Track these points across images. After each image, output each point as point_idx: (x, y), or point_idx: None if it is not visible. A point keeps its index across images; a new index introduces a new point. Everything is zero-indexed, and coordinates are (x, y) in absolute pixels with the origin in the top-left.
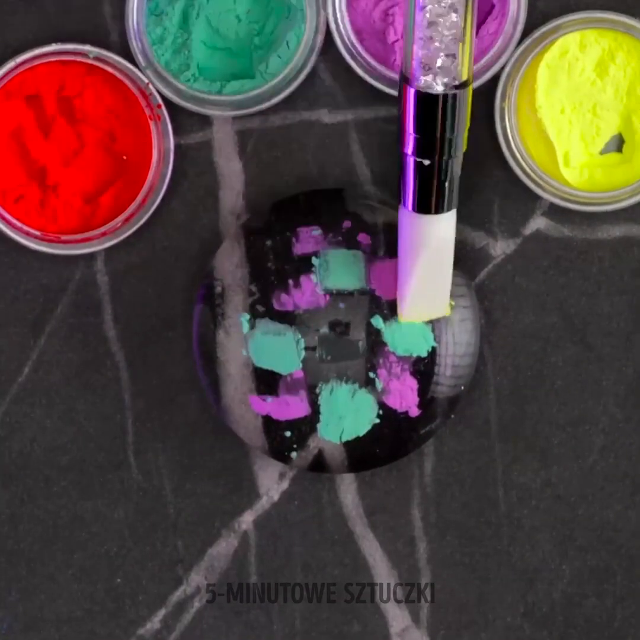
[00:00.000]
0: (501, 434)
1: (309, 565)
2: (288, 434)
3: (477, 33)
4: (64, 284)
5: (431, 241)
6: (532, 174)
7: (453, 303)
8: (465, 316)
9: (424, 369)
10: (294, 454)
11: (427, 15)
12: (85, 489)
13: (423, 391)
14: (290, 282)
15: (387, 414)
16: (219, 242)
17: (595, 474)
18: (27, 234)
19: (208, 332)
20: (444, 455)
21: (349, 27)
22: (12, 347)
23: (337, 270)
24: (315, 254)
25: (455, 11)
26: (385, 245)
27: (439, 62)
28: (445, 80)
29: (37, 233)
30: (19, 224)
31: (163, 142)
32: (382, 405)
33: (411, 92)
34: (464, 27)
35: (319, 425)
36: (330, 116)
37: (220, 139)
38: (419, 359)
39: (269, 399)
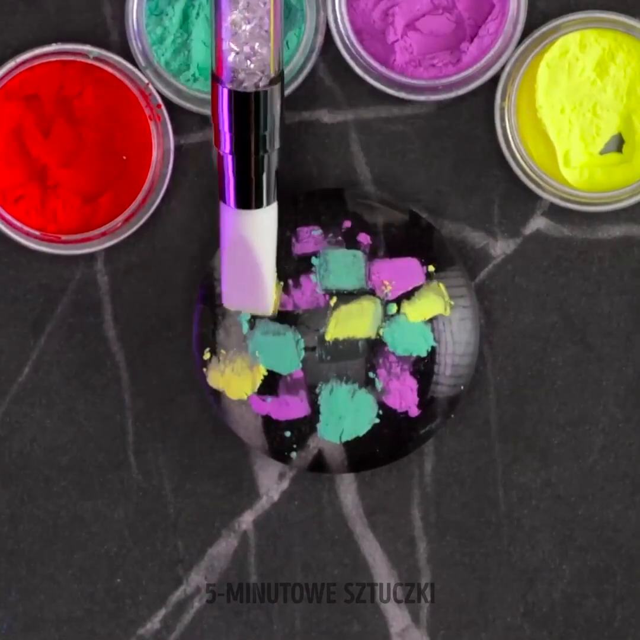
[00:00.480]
0: (501, 434)
1: (309, 565)
2: (288, 434)
3: (477, 33)
4: (64, 284)
5: (252, 235)
6: (532, 174)
7: (452, 303)
8: (465, 316)
9: (423, 368)
10: (294, 454)
11: (229, 19)
12: (85, 489)
13: (423, 391)
14: (290, 282)
15: (387, 414)
16: (218, 242)
17: (595, 474)
18: (27, 234)
19: (208, 332)
20: (444, 455)
21: (349, 27)
22: (12, 347)
23: (337, 270)
24: (315, 254)
25: (257, 10)
26: (385, 245)
27: (245, 60)
28: (255, 78)
29: (37, 233)
30: (19, 224)
31: (163, 142)
32: (382, 405)
33: (222, 92)
34: (269, 26)
35: (318, 425)
36: (330, 116)
37: None
38: (418, 359)
39: (269, 399)
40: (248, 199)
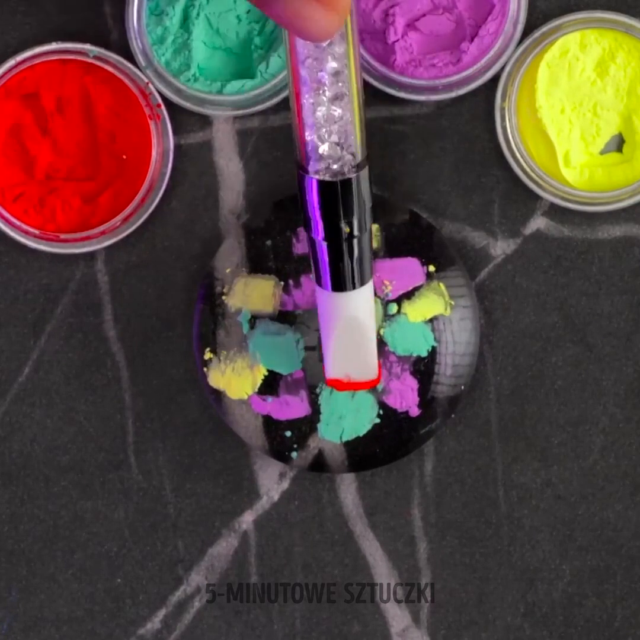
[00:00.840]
0: (501, 434)
1: (309, 565)
2: (288, 434)
3: (477, 33)
4: (64, 283)
5: (348, 315)
6: (532, 174)
7: (453, 303)
8: (465, 316)
9: (424, 368)
10: (294, 454)
11: (312, 105)
12: (85, 489)
13: (423, 391)
14: (290, 282)
15: (387, 414)
16: (219, 242)
17: (595, 474)
18: (26, 232)
19: (208, 332)
20: (444, 455)
21: None
22: (12, 347)
23: None
24: None
25: (340, 99)
26: (385, 245)
27: (329, 149)
28: (340, 166)
29: (36, 232)
30: (17, 223)
31: (163, 141)
32: (382, 405)
33: (309, 181)
34: (352, 110)
35: (319, 425)
36: None
37: (220, 139)
38: (419, 359)
39: (270, 399)
40: (344, 282)
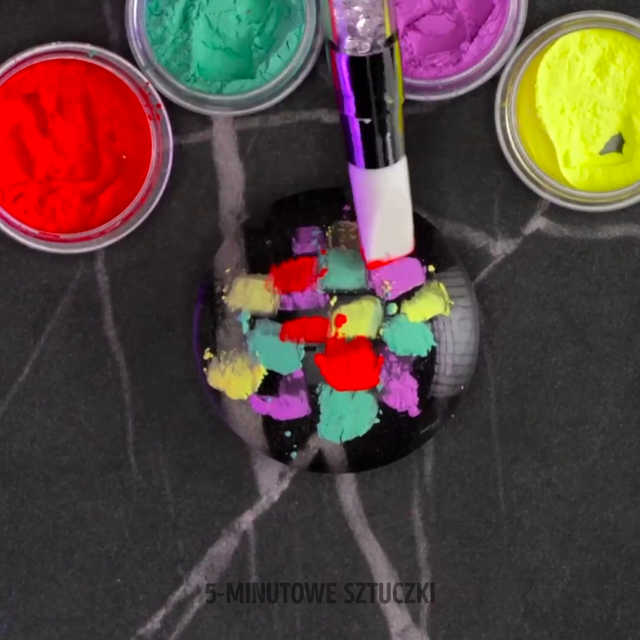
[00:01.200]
0: (501, 434)
1: (309, 565)
2: (288, 434)
3: (477, 33)
4: (64, 284)
5: (385, 192)
6: (532, 174)
7: (453, 303)
8: (465, 316)
9: (424, 368)
10: (294, 454)
11: None
12: (85, 489)
13: (423, 391)
14: None
15: (387, 414)
16: (219, 242)
17: (595, 474)
18: (26, 232)
19: (208, 332)
20: (444, 455)
21: None
22: (12, 347)
23: (337, 270)
24: (315, 253)
25: None
26: None
27: (360, 25)
28: (371, 40)
29: (36, 232)
30: (17, 223)
31: (162, 141)
32: (382, 405)
33: (340, 58)
34: None
35: (319, 425)
36: (330, 116)
37: (220, 139)
38: (419, 359)
39: (269, 399)
40: (375, 159)
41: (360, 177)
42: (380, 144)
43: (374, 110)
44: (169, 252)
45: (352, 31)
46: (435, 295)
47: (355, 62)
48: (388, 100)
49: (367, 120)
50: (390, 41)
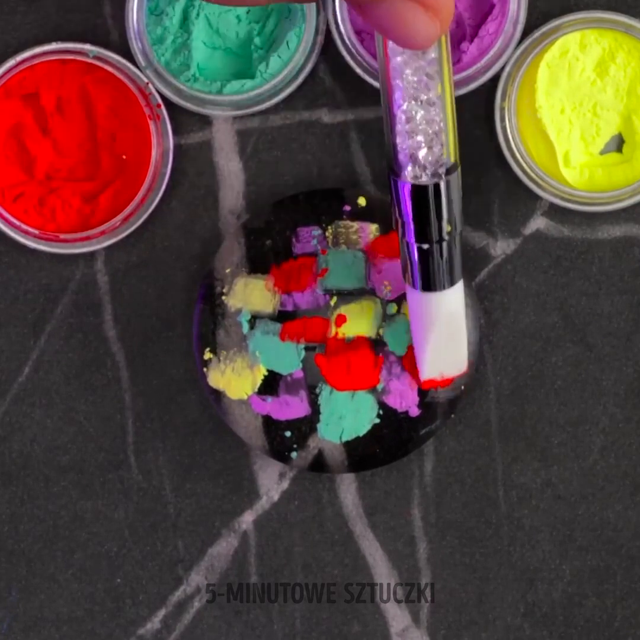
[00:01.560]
0: (501, 434)
1: (309, 565)
2: (288, 434)
3: (477, 33)
4: (64, 284)
5: (440, 315)
6: (532, 174)
7: None
8: (466, 316)
9: None
10: (294, 454)
11: (405, 111)
12: (85, 489)
13: (423, 391)
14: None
15: (387, 414)
16: (219, 242)
17: (595, 474)
18: (26, 232)
19: (208, 332)
20: (444, 455)
21: (349, 27)
22: (12, 347)
23: (337, 270)
24: (315, 254)
25: (433, 105)
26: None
27: (422, 154)
28: (433, 169)
29: (36, 231)
30: (17, 223)
31: (162, 141)
32: (382, 405)
33: (402, 186)
34: (444, 115)
35: (319, 425)
36: (330, 116)
37: (220, 139)
38: None
39: (269, 399)
40: (432, 283)
41: (416, 299)
42: (438, 269)
43: (433, 237)
44: (169, 252)
45: (414, 159)
46: None
47: (417, 190)
48: (446, 228)
49: (425, 246)
50: (451, 170)
